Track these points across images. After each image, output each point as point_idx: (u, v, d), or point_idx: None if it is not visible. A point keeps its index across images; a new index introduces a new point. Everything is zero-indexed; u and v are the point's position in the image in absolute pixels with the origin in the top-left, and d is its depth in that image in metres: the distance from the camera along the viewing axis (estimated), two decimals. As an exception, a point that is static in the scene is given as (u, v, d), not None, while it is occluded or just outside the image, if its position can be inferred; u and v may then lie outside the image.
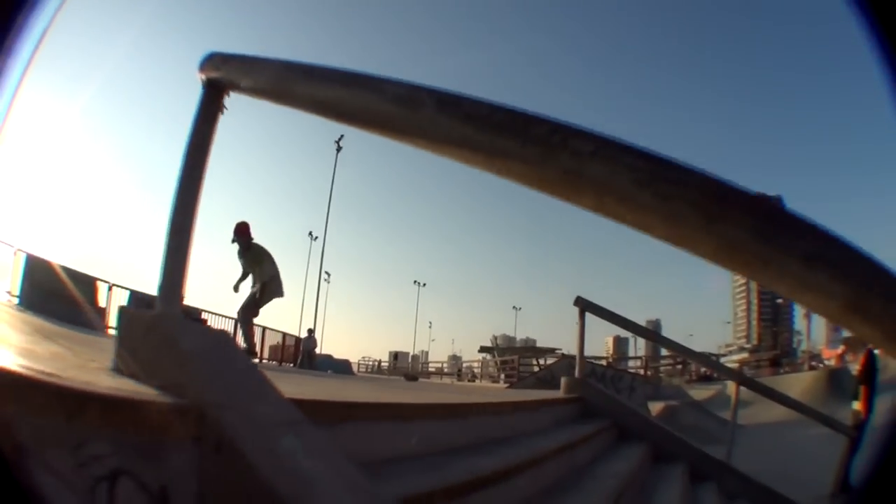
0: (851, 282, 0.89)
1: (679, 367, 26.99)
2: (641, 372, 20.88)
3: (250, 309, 6.69)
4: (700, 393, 21.09)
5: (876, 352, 5.69)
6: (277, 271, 6.85)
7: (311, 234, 43.59)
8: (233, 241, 6.80)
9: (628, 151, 0.86)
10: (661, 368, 26.63)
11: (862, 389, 5.78)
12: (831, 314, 0.97)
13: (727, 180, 0.86)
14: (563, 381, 5.28)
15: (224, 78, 1.55)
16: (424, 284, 69.21)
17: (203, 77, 1.61)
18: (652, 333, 7.14)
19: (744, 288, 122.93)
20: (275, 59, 1.39)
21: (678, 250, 0.93)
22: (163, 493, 1.15)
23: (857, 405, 5.82)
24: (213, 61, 1.59)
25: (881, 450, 1.04)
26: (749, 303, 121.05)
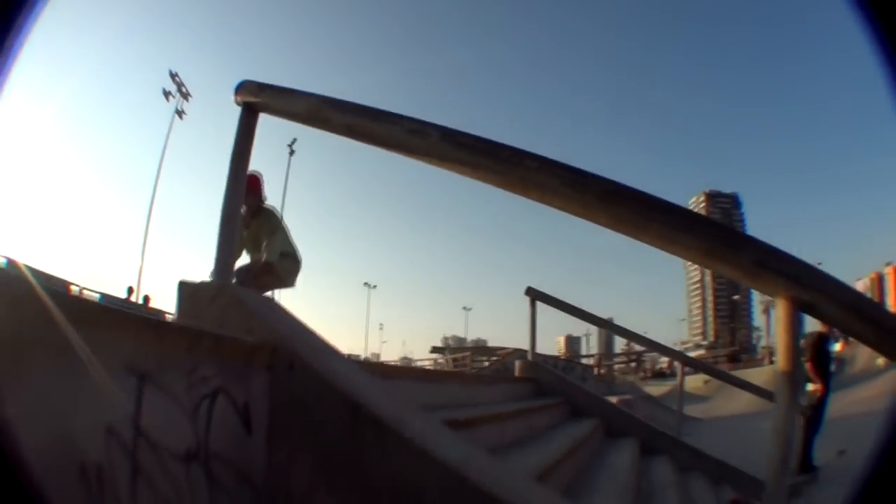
0: (703, 236, 1.66)
1: (633, 364, 28.79)
2: (595, 371, 22.22)
3: (249, 276, 4.86)
4: (655, 389, 22.64)
5: (827, 336, 6.51)
6: (297, 251, 5.23)
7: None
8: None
9: (558, 165, 1.58)
10: (615, 366, 28.29)
11: (808, 367, 6.37)
12: (694, 259, 1.75)
13: (615, 181, 1.60)
14: (517, 363, 6.04)
15: (260, 102, 2.18)
16: (375, 286, 69.41)
17: (240, 100, 2.23)
18: (602, 321, 7.92)
19: (698, 285, 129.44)
20: (308, 92, 2.04)
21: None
22: (245, 407, 1.77)
23: (811, 387, 6.40)
24: (248, 88, 2.21)
25: (883, 441, 1.15)
26: (704, 300, 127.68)
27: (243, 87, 2.22)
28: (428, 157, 1.75)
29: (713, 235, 1.67)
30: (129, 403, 1.42)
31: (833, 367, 6.76)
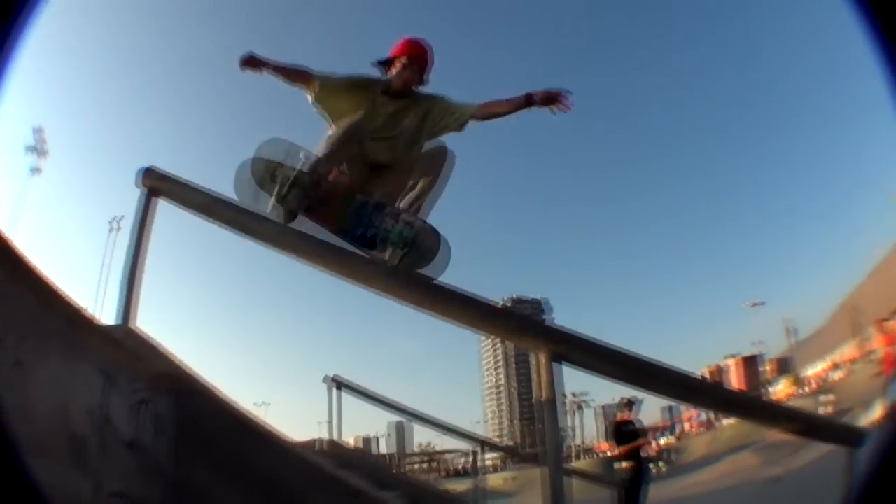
0: (483, 309, 2.96)
1: (429, 464, 30.27)
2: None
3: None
4: (454, 487, 24.03)
5: (627, 421, 8.03)
6: None
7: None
8: (384, 63, 3.38)
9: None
10: (412, 466, 29.43)
11: (615, 449, 7.94)
12: (478, 326, 3.04)
13: (448, 285, 2.83)
14: (321, 441, 6.92)
15: (161, 189, 3.06)
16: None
17: (143, 183, 3.05)
18: (405, 409, 8.86)
19: (494, 389, 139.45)
20: (202, 189, 3.01)
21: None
22: (158, 417, 2.56)
23: (623, 465, 7.78)
24: (153, 175, 3.03)
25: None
26: (501, 402, 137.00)
27: (148, 174, 3.02)
28: (293, 252, 2.88)
29: (488, 310, 2.98)
30: (101, 395, 2.12)
31: (642, 448, 8.15)
